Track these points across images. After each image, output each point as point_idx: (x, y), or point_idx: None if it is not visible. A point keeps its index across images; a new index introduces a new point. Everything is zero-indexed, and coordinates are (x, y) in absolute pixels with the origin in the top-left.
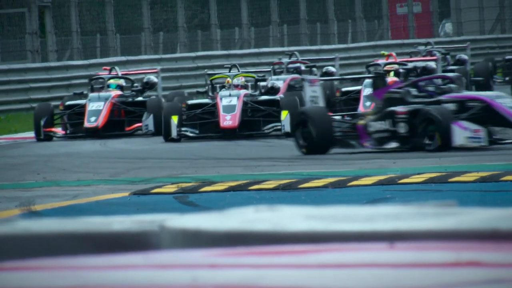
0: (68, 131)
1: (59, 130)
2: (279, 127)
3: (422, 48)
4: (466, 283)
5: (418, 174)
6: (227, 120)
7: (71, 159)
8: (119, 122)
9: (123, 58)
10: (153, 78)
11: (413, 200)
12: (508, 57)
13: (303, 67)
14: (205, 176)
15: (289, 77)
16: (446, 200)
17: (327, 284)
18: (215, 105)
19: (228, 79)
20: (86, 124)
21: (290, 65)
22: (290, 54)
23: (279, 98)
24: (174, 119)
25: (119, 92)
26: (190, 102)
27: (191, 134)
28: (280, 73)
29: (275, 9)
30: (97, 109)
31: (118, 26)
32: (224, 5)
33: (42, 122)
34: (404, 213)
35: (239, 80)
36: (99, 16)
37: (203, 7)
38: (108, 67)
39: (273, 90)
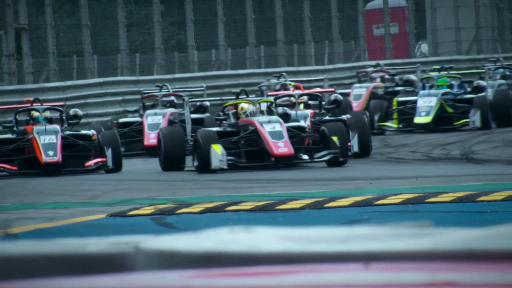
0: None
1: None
2: None
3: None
4: None
5: (395, 194)
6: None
7: (49, 181)
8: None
9: (100, 80)
10: (77, 110)
11: (390, 221)
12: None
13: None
14: (182, 197)
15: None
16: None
17: None
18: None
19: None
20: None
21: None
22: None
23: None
24: (216, 148)
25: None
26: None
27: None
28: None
29: (252, 31)
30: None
31: (95, 47)
32: (201, 26)
33: None
34: (379, 234)
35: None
36: (75, 38)
37: (180, 29)
38: (31, 99)
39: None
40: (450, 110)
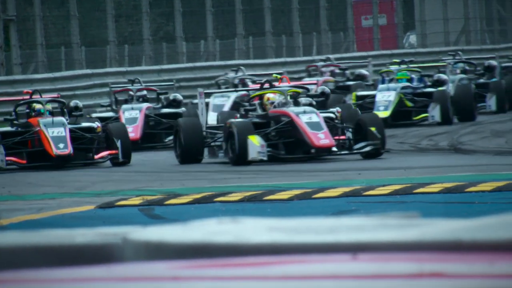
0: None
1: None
2: None
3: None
4: None
5: (383, 185)
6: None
7: (37, 173)
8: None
9: (89, 71)
10: (77, 102)
11: (378, 212)
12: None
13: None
14: (170, 189)
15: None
16: (410, 211)
17: None
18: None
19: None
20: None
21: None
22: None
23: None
24: (253, 140)
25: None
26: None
27: None
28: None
29: (240, 22)
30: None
31: (84, 39)
32: (189, 17)
33: None
34: (367, 225)
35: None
36: (64, 29)
37: (168, 20)
38: (30, 91)
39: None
40: (409, 104)
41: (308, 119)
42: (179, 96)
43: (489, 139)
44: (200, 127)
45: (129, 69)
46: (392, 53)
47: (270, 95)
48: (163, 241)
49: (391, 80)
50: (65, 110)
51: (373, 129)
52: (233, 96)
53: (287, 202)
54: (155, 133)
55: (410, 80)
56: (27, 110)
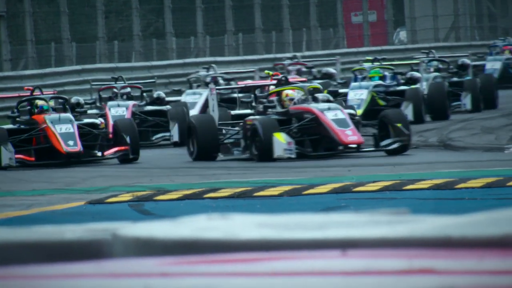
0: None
1: None
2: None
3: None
4: None
5: (373, 182)
6: None
7: (27, 169)
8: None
9: (78, 67)
10: (78, 98)
11: (367, 208)
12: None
13: (221, 80)
14: (160, 184)
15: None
16: (400, 207)
17: None
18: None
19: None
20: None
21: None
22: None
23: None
24: (278, 137)
25: None
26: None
27: None
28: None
29: (230, 18)
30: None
31: (74, 35)
32: (179, 13)
33: None
34: (356, 221)
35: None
36: (54, 25)
37: (158, 16)
38: (31, 87)
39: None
40: (381, 103)
41: (334, 116)
42: (162, 94)
43: (479, 135)
44: (215, 124)
45: (119, 65)
46: (382, 49)
47: (289, 92)
48: (152, 237)
49: (363, 78)
50: (67, 106)
51: (399, 125)
52: (205, 93)
53: (276, 198)
54: (141, 131)
55: (383, 78)
56: (29, 107)
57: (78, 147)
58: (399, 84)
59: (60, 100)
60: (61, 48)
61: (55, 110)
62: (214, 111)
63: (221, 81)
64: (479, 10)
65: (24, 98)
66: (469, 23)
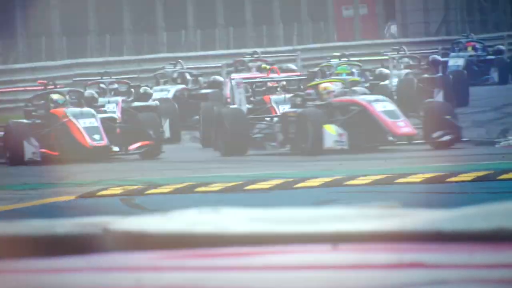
0: None
1: None
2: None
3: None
4: (410, 285)
5: (364, 175)
6: None
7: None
8: None
9: (68, 62)
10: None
11: (358, 201)
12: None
13: (188, 76)
14: (151, 178)
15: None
16: (390, 201)
17: (270, 286)
18: None
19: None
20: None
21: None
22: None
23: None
24: (328, 129)
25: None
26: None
27: None
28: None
29: (221, 12)
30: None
31: (64, 29)
32: (170, 7)
33: None
34: (347, 215)
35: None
36: (44, 19)
37: (149, 10)
38: (45, 81)
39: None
40: None
41: (383, 108)
42: (149, 90)
43: (470, 129)
44: (246, 117)
45: (110, 59)
46: (373, 43)
47: (326, 84)
48: (143, 231)
49: (330, 75)
50: (82, 101)
51: (449, 117)
52: (173, 89)
53: (268, 192)
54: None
55: (350, 74)
56: (43, 101)
57: (105, 141)
58: (367, 81)
59: (75, 94)
60: (52, 42)
61: (71, 104)
62: (242, 105)
63: (188, 77)
64: (470, 4)
65: (40, 92)
66: (459, 17)
